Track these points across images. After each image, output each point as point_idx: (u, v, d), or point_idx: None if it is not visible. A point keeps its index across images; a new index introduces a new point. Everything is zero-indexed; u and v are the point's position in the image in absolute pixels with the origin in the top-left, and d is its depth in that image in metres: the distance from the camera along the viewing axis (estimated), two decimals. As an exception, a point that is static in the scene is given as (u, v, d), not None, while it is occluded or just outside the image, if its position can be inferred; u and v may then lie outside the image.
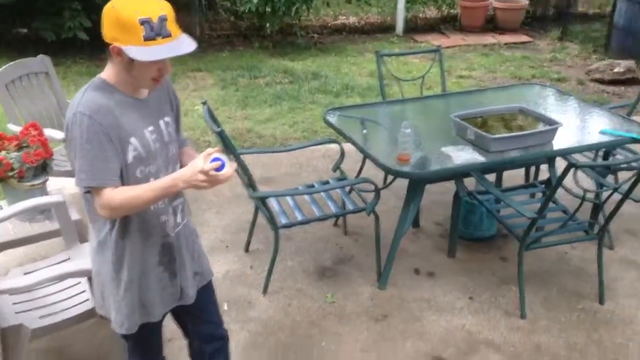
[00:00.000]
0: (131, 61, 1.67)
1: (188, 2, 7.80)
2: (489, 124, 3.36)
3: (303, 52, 7.70)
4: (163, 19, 1.65)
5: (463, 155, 3.09)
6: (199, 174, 1.67)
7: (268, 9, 7.51)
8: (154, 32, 1.64)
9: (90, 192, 1.74)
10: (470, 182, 3.48)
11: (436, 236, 3.73)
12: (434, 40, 8.34)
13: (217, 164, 1.68)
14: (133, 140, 1.75)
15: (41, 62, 3.86)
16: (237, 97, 6.04)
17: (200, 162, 1.68)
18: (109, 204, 1.71)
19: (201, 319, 2.15)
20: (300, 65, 7.19)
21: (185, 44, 1.71)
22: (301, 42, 7.94)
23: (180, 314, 2.13)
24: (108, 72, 1.76)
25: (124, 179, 1.76)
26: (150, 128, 1.82)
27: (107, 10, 1.67)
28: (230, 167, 1.71)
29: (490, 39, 8.54)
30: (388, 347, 2.80)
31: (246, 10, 7.44)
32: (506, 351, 2.80)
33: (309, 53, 7.70)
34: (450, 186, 3.50)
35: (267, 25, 7.81)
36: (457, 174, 3.27)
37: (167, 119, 1.89)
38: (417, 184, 3.18)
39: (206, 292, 2.12)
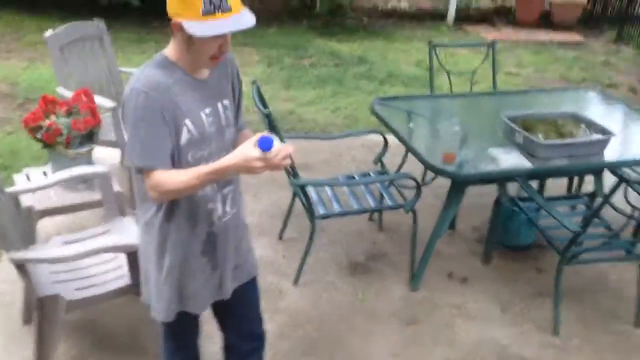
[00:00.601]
0: (191, 37, 1.62)
1: (240, -25, 7.75)
2: (539, 128, 3.25)
3: (351, 35, 7.61)
4: None
5: (510, 159, 3.02)
6: (255, 161, 1.59)
7: (320, -12, 7.44)
8: (213, 6, 1.58)
9: (141, 171, 1.72)
10: (510, 187, 3.41)
11: (472, 240, 3.67)
12: (485, 32, 8.14)
13: (276, 149, 1.59)
14: (188, 122, 1.71)
15: (96, 26, 3.84)
16: (282, 77, 6.01)
17: (249, 149, 1.59)
18: (157, 187, 1.68)
19: (242, 315, 2.10)
20: (347, 47, 7.11)
21: (244, 19, 1.65)
22: (350, 24, 7.84)
23: (220, 308, 2.07)
24: (170, 49, 1.73)
25: (175, 162, 1.72)
26: (207, 110, 1.77)
27: None
28: (285, 148, 1.63)
29: (543, 35, 8.30)
30: (417, 352, 2.77)
31: (298, -12, 7.37)
32: (537, 368, 2.75)
33: (357, 36, 7.60)
34: (488, 189, 3.44)
35: (318, 4, 7.72)
36: (502, 178, 3.19)
37: (225, 101, 1.83)
38: (460, 185, 3.11)
39: (250, 288, 2.07)
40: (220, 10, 1.60)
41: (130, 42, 6.48)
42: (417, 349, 2.80)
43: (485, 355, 2.80)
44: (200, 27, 1.60)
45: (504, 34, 8.22)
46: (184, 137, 1.72)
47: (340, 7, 8.02)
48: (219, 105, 1.81)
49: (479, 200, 3.82)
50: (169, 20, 1.64)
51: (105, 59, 3.89)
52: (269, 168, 1.62)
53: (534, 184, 3.78)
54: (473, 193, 3.64)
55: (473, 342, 2.86)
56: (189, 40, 1.65)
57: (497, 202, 3.34)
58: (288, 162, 1.66)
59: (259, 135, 1.62)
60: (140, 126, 1.65)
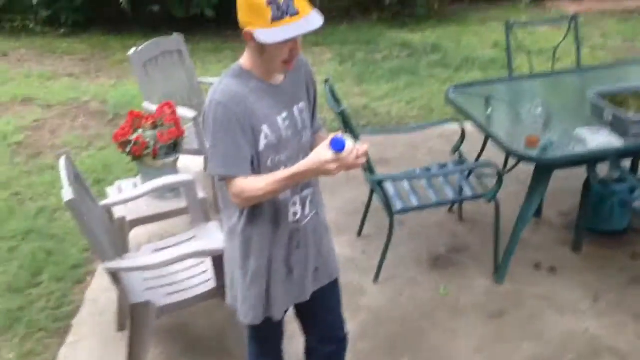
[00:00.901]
0: (263, 44, 1.65)
1: (308, -25, 7.83)
2: (631, 104, 3.05)
3: (422, 23, 7.47)
4: None
5: (598, 139, 2.86)
6: (330, 163, 1.62)
7: (389, -22, 7.35)
8: (281, 11, 1.61)
9: (224, 179, 1.77)
10: (601, 168, 3.22)
11: (560, 227, 3.51)
12: (566, 6, 7.72)
13: (349, 149, 1.62)
14: (265, 127, 1.76)
15: (175, 40, 3.98)
16: (354, 73, 6.00)
17: (323, 152, 1.63)
18: (240, 194, 1.74)
19: (322, 318, 2.10)
20: (419, 36, 6.98)
21: (312, 20, 1.66)
22: (421, 12, 7.68)
23: (302, 310, 2.10)
24: (245, 58, 1.77)
25: (255, 167, 1.78)
26: (284, 114, 1.81)
27: None
28: (359, 147, 1.65)
29: (629, 3, 7.76)
30: (503, 348, 2.70)
31: (366, -19, 7.32)
32: (634, 360, 2.61)
33: (428, 24, 7.45)
34: (577, 171, 3.27)
35: (387, -5, 7.64)
36: (590, 160, 3.02)
37: (301, 104, 1.86)
38: (545, 169, 2.98)
39: (331, 290, 2.07)
40: (288, 14, 1.62)
41: (207, 52, 6.69)
42: (503, 344, 2.73)
43: (576, 347, 2.68)
44: (270, 34, 1.63)
45: (586, 5, 7.75)
46: (262, 142, 1.76)
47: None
48: (295, 108, 1.84)
49: (567, 184, 3.65)
50: (241, 30, 1.69)
51: (185, 71, 4.03)
52: (344, 168, 1.65)
53: (627, 163, 3.57)
54: (560, 176, 3.49)
55: (563, 335, 2.75)
56: (261, 48, 1.68)
57: (587, 185, 3.17)
58: (363, 160, 1.68)
59: (332, 136, 1.65)
60: (220, 136, 1.72)
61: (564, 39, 4.00)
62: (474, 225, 3.56)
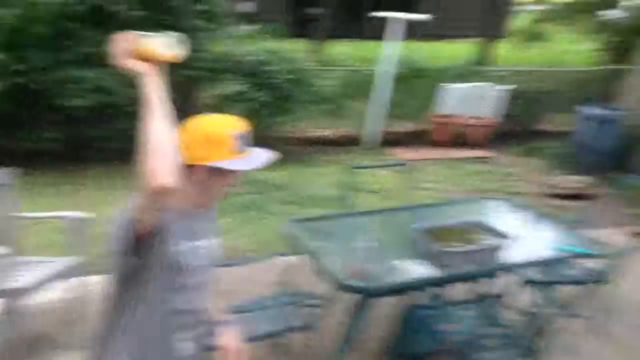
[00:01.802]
0: (211, 175, 1.72)
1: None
2: (449, 238, 3.33)
3: (275, 164, 7.80)
4: (247, 132, 1.77)
5: (416, 269, 3.04)
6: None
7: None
8: (244, 144, 1.75)
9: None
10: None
11: (377, 353, 3.56)
12: (403, 153, 8.54)
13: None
14: (179, 246, 1.72)
15: (2, 174, 3.88)
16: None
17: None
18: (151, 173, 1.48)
19: None
20: (271, 175, 7.26)
21: (265, 153, 1.83)
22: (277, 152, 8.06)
23: None
24: None
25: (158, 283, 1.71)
26: (199, 243, 1.81)
27: (191, 132, 1.70)
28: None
29: (457, 153, 8.80)
30: None
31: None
32: None
33: (280, 164, 7.78)
34: (395, 300, 3.40)
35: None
36: (407, 288, 3.18)
37: (219, 240, 1.93)
38: (366, 298, 3.07)
39: None
40: (248, 147, 1.78)
41: (46, 186, 6.45)
42: None
43: None
44: (240, 164, 1.74)
45: (421, 153, 8.65)
46: (172, 248, 1.70)
47: (265, 139, 8.28)
48: (214, 241, 1.90)
49: (384, 312, 3.73)
50: (191, 166, 1.70)
51: (5, 205, 3.86)
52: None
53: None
54: (389, 304, 3.57)
55: None
56: (208, 179, 1.74)
57: (401, 311, 3.30)
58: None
59: None
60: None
61: (397, 180, 4.36)
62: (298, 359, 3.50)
